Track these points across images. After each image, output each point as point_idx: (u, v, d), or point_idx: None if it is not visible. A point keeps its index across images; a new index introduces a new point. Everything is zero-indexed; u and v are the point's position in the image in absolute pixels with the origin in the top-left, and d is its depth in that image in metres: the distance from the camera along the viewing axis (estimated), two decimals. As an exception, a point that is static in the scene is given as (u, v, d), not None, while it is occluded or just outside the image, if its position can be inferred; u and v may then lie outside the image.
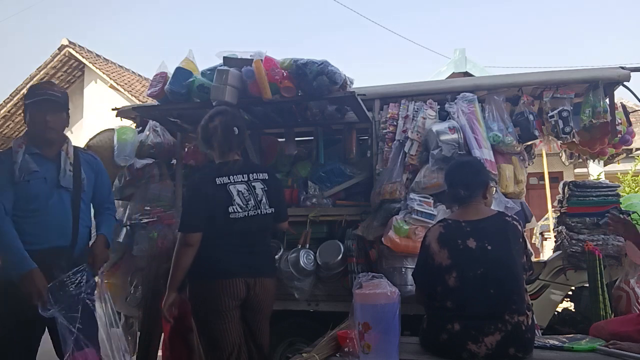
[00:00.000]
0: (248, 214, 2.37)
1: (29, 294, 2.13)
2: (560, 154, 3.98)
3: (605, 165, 8.85)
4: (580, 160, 3.86)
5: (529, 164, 3.39)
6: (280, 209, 2.56)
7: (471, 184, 2.18)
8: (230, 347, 2.31)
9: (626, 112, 3.38)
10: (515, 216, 2.25)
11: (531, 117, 3.02)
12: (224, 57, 2.88)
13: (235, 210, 2.35)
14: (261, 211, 2.42)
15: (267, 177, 2.51)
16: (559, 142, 3.31)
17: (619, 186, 3.42)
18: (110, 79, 12.86)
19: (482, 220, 2.09)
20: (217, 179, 2.37)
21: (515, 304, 1.94)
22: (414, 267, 2.47)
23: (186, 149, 3.72)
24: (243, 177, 2.42)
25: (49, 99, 2.33)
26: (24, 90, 13.16)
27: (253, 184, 2.44)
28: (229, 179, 2.38)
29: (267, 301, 2.45)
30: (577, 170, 10.39)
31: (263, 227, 2.48)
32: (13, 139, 2.44)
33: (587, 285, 3.03)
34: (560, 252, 3.23)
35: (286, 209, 2.69)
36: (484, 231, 2.05)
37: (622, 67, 3.08)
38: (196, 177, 2.51)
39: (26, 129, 2.41)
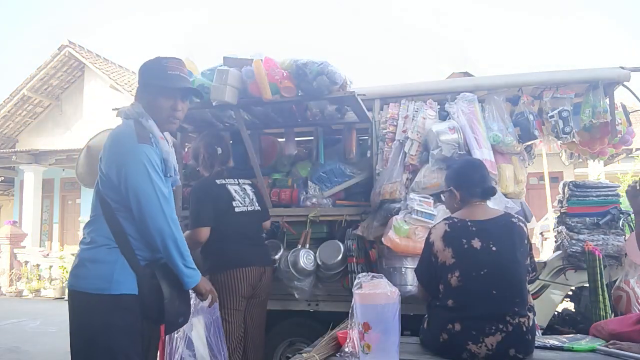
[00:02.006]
0: (247, 209, 2.81)
1: (208, 294, 2.03)
2: (560, 154, 3.97)
3: (605, 165, 8.87)
4: (580, 160, 3.86)
5: (529, 164, 3.39)
6: (264, 208, 2.99)
7: (488, 185, 2.18)
8: (237, 333, 2.66)
9: (626, 112, 3.38)
10: (521, 217, 2.24)
11: (531, 117, 3.01)
12: (224, 57, 2.89)
13: (238, 205, 2.77)
14: (255, 208, 2.87)
15: (250, 183, 2.99)
16: (559, 142, 3.30)
17: (619, 186, 3.42)
18: (110, 78, 12.85)
19: (488, 221, 2.07)
20: (216, 180, 2.79)
21: (517, 306, 1.94)
22: (414, 267, 2.47)
23: (186, 149, 3.72)
24: (235, 181, 2.89)
25: (185, 87, 1.97)
26: (24, 90, 13.19)
27: (243, 186, 2.90)
28: (225, 180, 2.83)
29: (269, 288, 2.88)
30: (577, 170, 10.42)
31: (259, 222, 2.91)
32: (139, 114, 1.89)
33: (587, 285, 3.03)
34: (560, 252, 3.23)
35: (268, 210, 3.08)
36: (490, 232, 2.03)
37: (622, 67, 3.07)
38: (199, 182, 2.88)
39: (142, 110, 1.92)
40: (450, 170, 2.35)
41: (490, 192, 2.18)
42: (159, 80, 1.93)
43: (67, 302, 1.91)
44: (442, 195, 2.41)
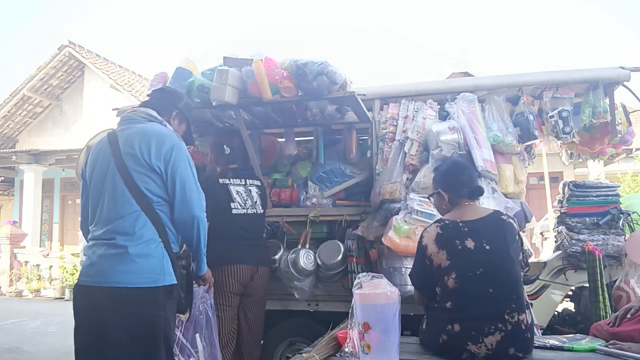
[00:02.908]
0: (247, 211, 2.86)
1: (209, 282, 2.29)
2: (560, 154, 3.97)
3: (605, 165, 8.87)
4: (580, 160, 3.86)
5: (529, 164, 3.39)
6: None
7: (475, 185, 2.19)
8: (228, 328, 2.72)
9: (626, 112, 3.38)
10: (509, 214, 2.25)
11: (531, 117, 3.01)
12: (224, 57, 2.89)
13: (236, 207, 2.82)
14: (256, 210, 2.92)
15: (259, 184, 3.03)
16: (559, 142, 3.30)
17: (619, 186, 3.42)
18: (111, 78, 12.85)
19: (479, 220, 2.08)
20: (220, 179, 2.86)
21: (515, 302, 1.94)
22: (413, 267, 2.47)
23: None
24: (241, 181, 2.92)
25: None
26: (24, 90, 13.20)
27: (249, 187, 2.94)
28: (230, 180, 2.88)
29: (264, 287, 2.92)
30: (577, 170, 10.42)
31: (258, 224, 2.96)
32: (160, 119, 2.11)
33: (587, 285, 3.03)
34: (560, 252, 3.23)
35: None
36: (482, 231, 2.04)
37: (622, 67, 3.07)
38: (202, 178, 2.79)
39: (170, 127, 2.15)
40: (437, 173, 2.36)
41: (477, 192, 2.19)
42: (189, 115, 2.33)
43: (99, 300, 1.82)
44: (430, 198, 2.41)
